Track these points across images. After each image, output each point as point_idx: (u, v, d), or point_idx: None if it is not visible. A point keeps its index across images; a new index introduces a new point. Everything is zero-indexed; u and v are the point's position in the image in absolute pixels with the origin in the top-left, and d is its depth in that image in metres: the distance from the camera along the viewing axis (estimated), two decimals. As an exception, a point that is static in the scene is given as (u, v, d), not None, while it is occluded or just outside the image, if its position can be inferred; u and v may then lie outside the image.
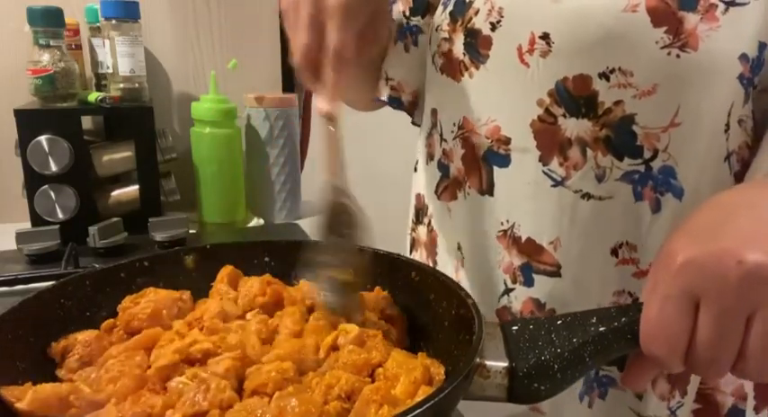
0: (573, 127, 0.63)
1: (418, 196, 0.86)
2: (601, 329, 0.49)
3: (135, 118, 1.22)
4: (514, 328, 0.53)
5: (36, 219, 1.17)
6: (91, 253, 1.10)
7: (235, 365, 0.56)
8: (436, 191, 0.79)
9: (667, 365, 0.47)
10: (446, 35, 0.73)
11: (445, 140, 0.76)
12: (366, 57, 0.67)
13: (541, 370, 0.49)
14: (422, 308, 0.65)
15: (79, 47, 1.33)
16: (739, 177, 0.65)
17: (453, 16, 0.72)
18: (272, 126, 1.31)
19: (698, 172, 0.63)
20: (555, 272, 0.67)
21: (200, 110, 1.26)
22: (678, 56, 0.58)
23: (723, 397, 0.69)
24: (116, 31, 1.21)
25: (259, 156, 1.34)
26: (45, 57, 1.16)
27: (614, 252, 0.65)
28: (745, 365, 0.44)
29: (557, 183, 0.66)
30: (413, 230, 0.89)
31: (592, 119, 0.62)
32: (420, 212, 0.86)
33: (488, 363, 0.50)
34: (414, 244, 0.89)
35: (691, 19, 0.58)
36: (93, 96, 1.19)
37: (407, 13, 0.80)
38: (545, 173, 0.66)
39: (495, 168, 0.70)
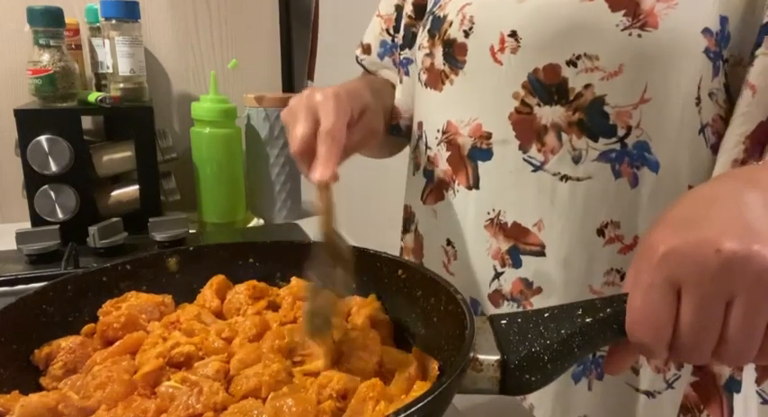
0: (548, 114, 0.67)
1: (406, 207, 0.91)
2: (587, 320, 0.50)
3: (135, 118, 1.22)
4: (503, 322, 0.53)
5: (36, 219, 1.17)
6: (91, 253, 1.09)
7: (224, 367, 0.56)
8: (422, 197, 0.83)
9: (653, 352, 0.47)
10: (427, 51, 0.78)
11: (429, 148, 0.80)
12: (365, 148, 0.74)
13: (532, 362, 0.50)
14: (409, 305, 0.66)
15: (79, 47, 1.34)
16: (715, 149, 0.66)
17: (431, 32, 0.78)
18: (272, 126, 1.31)
19: (672, 145, 0.65)
20: (540, 252, 0.71)
21: (200, 110, 1.26)
22: (639, 35, 0.61)
23: (720, 368, 0.71)
24: (116, 31, 1.21)
25: (259, 156, 1.34)
26: (45, 57, 1.16)
27: (600, 232, 0.68)
28: (725, 349, 0.45)
29: (536, 168, 0.69)
30: (402, 239, 0.93)
31: (564, 105, 0.66)
32: (407, 221, 0.91)
33: (481, 357, 0.51)
34: (401, 253, 0.93)
35: (647, 0, 0.61)
36: (93, 96, 1.19)
37: (388, 41, 0.90)
38: (525, 160, 0.69)
39: (480, 163, 0.73)
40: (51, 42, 1.16)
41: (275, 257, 0.74)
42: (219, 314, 0.68)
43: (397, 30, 0.91)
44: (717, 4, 0.61)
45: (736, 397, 0.71)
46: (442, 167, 0.78)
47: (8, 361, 0.57)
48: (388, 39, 0.92)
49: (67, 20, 1.22)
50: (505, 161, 0.71)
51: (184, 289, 0.70)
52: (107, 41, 1.22)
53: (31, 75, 1.17)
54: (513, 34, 0.67)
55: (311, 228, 1.28)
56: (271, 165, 1.33)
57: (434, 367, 0.56)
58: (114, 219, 1.14)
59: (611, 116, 0.64)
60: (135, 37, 1.23)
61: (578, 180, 0.67)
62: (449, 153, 0.76)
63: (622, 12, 0.62)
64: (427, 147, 0.81)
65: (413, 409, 0.42)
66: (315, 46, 1.57)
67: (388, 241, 0.96)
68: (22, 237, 1.08)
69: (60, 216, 1.17)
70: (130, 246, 1.14)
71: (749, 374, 0.71)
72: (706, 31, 0.61)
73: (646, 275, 0.46)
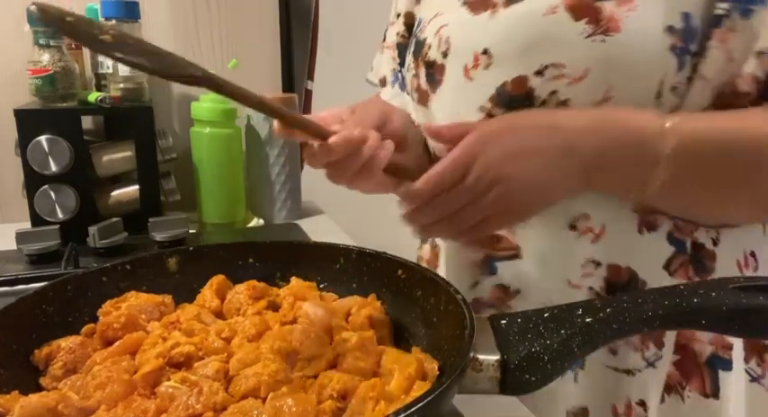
0: None
1: None
2: (587, 320, 0.50)
3: (135, 118, 1.23)
4: (503, 322, 0.54)
5: (36, 219, 1.17)
6: (91, 253, 1.10)
7: (224, 367, 0.56)
8: None
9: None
10: (414, 72, 0.82)
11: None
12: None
13: (532, 362, 0.50)
14: (409, 305, 0.66)
15: (79, 47, 1.33)
16: None
17: (415, 55, 0.81)
18: (271, 126, 1.31)
19: None
20: (515, 255, 0.74)
21: (200, 110, 1.26)
22: (603, 41, 0.63)
23: (701, 346, 0.72)
24: (116, 32, 1.21)
25: (259, 156, 1.34)
26: (45, 57, 1.16)
27: (573, 226, 0.71)
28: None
29: None
30: (419, 248, 0.96)
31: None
32: None
33: (481, 357, 0.51)
34: (418, 261, 0.95)
35: (607, 6, 0.63)
36: (93, 96, 1.19)
37: (398, 69, 0.94)
38: None
39: None
40: (51, 42, 1.16)
41: (275, 257, 0.75)
42: (219, 314, 0.68)
43: (401, 66, 0.95)
44: (677, 1, 0.63)
45: (724, 375, 0.72)
46: None
47: (8, 361, 0.56)
48: (399, 68, 0.96)
49: (67, 20, 1.22)
50: None
51: (184, 289, 0.70)
52: (107, 41, 1.22)
53: (31, 75, 1.17)
54: (486, 52, 0.70)
55: (311, 228, 1.28)
56: (271, 165, 1.33)
57: (434, 367, 0.56)
58: (114, 219, 1.14)
59: None
60: (135, 37, 1.23)
61: None
62: None
63: (585, 20, 0.64)
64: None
65: (413, 409, 0.42)
66: (315, 46, 1.57)
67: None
68: (22, 237, 1.09)
69: (60, 216, 1.17)
70: (130, 246, 1.14)
71: (735, 352, 0.72)
72: (669, 28, 0.63)
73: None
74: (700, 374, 0.73)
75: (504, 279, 0.76)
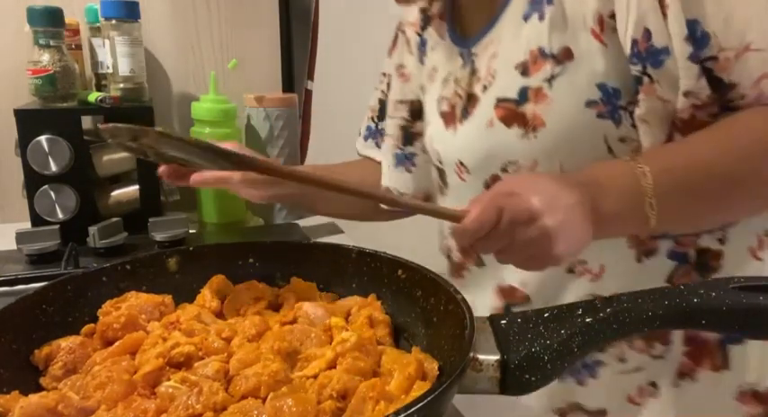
0: None
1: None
2: (587, 320, 0.51)
3: (135, 118, 1.22)
4: (503, 322, 0.54)
5: (36, 219, 1.17)
6: (91, 253, 1.10)
7: (224, 367, 0.56)
8: (450, 275, 0.98)
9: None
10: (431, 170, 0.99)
11: (446, 237, 0.96)
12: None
13: (532, 362, 0.50)
14: (409, 305, 0.66)
15: (79, 47, 1.34)
16: None
17: (434, 153, 0.94)
18: (272, 126, 1.32)
19: None
20: (527, 301, 0.83)
21: (200, 110, 1.27)
22: (536, 136, 0.74)
23: (710, 334, 0.76)
24: (116, 31, 1.21)
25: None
26: (45, 57, 1.16)
27: (570, 270, 0.79)
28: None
29: None
30: None
31: None
32: None
33: (480, 357, 0.51)
34: None
35: (528, 108, 0.74)
36: (93, 96, 1.19)
37: (401, 145, 1.05)
38: None
39: None
40: (51, 42, 1.17)
41: (275, 257, 0.75)
42: (219, 315, 0.68)
43: (380, 118, 1.10)
44: (589, 77, 0.70)
45: (734, 348, 0.76)
46: (456, 253, 0.94)
47: (8, 361, 0.57)
48: (373, 125, 1.12)
49: (67, 20, 1.22)
50: None
51: (184, 289, 0.70)
52: (107, 41, 1.22)
53: (31, 75, 1.17)
54: (461, 163, 0.84)
55: (311, 228, 1.28)
56: (271, 165, 1.33)
57: (434, 367, 0.57)
58: (114, 219, 1.14)
59: None
60: (135, 37, 1.23)
61: None
62: None
63: (516, 125, 0.75)
64: (445, 237, 0.96)
65: (413, 409, 0.42)
66: (315, 46, 1.57)
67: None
68: (22, 237, 1.09)
69: (60, 216, 1.17)
70: (130, 246, 1.14)
71: None
72: (589, 103, 0.70)
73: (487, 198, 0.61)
74: (710, 355, 0.77)
75: None
